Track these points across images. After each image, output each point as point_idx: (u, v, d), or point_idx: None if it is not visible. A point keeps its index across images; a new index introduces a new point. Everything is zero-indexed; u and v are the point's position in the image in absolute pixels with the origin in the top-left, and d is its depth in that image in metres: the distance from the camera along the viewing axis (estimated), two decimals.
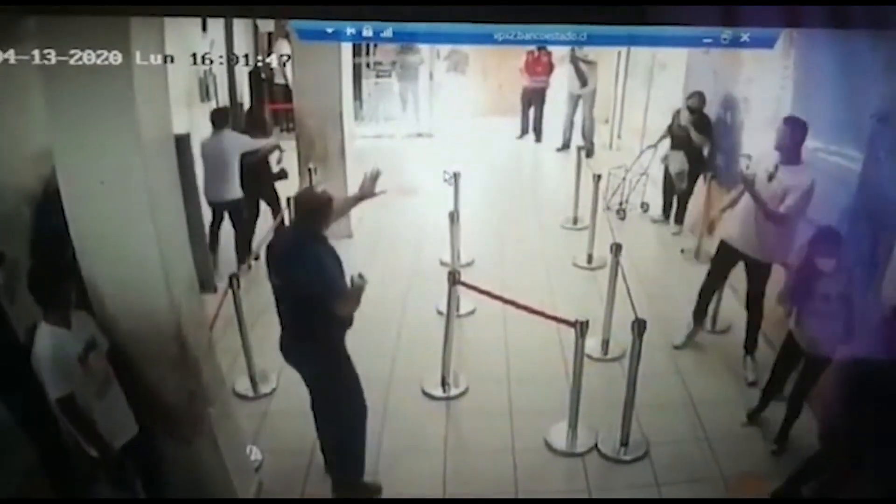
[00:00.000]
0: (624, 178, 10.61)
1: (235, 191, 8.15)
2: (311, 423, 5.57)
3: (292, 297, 4.78)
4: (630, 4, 3.30)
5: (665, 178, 9.99)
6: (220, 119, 8.12)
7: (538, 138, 14.26)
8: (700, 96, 9.03)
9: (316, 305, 4.66)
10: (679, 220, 9.96)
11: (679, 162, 9.46)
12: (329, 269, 4.71)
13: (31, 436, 4.64)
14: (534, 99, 14.08)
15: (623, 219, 10.44)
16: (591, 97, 12.98)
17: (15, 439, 4.75)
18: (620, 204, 10.58)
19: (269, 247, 5.03)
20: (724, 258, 6.80)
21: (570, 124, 13.41)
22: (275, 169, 8.79)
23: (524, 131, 14.41)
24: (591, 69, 12.81)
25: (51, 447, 4.61)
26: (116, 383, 4.31)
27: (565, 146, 13.40)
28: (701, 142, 9.10)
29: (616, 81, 13.87)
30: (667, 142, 9.77)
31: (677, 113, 9.48)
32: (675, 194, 9.85)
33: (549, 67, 13.72)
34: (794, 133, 5.98)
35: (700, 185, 9.20)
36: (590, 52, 12.58)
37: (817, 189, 5.94)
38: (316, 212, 4.83)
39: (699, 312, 7.19)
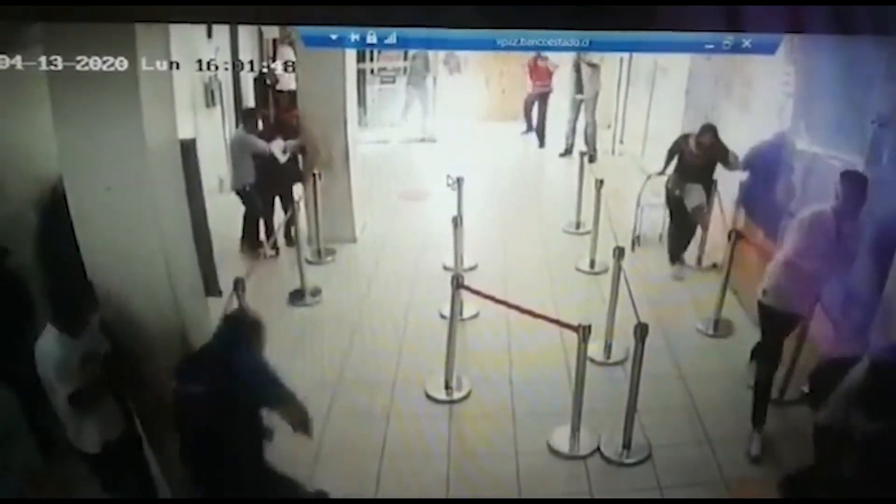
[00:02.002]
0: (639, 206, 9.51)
1: (249, 178, 8.89)
2: (316, 425, 5.61)
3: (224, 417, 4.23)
4: (632, 10, 3.33)
5: (673, 210, 8.85)
6: (245, 118, 9.30)
7: (541, 143, 14.28)
8: (713, 131, 8.19)
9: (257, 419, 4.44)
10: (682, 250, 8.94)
11: (699, 196, 8.45)
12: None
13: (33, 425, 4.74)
14: (538, 103, 14.14)
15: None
16: (594, 102, 12.94)
17: (16, 439, 4.82)
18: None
19: (189, 367, 4.38)
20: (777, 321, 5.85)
21: (573, 129, 13.34)
22: (280, 159, 8.94)
23: (529, 128, 14.46)
24: (595, 73, 12.80)
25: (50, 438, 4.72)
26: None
27: (567, 151, 13.37)
28: (735, 167, 8.22)
29: (618, 87, 13.88)
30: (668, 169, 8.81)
31: (684, 140, 8.50)
32: (688, 227, 8.82)
33: (549, 72, 13.83)
34: (857, 190, 5.32)
35: None
36: (594, 55, 12.58)
37: (819, 194, 5.95)
38: (245, 335, 4.36)
39: (759, 415, 6.04)
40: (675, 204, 8.68)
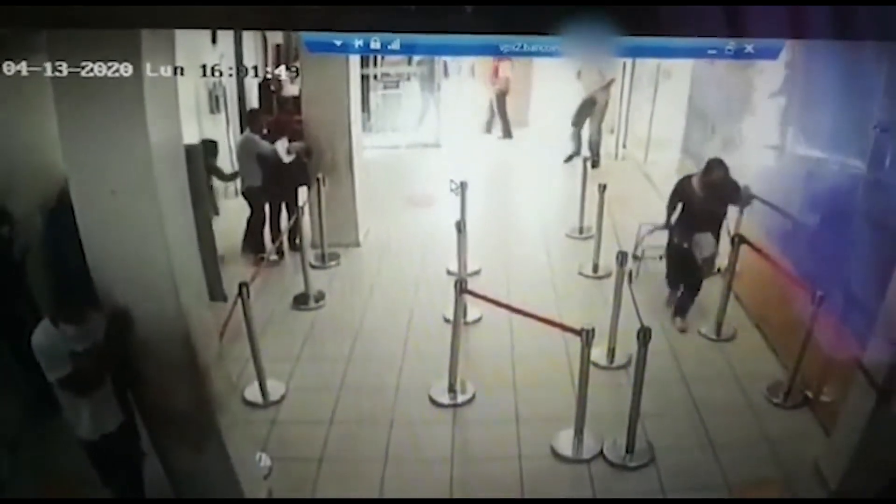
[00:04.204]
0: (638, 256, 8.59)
1: (255, 181, 9.02)
2: (321, 430, 5.63)
3: None
4: (635, 15, 3.34)
5: (677, 264, 7.76)
6: (250, 120, 9.34)
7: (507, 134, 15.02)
8: (722, 167, 7.12)
9: None
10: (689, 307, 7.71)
11: (710, 246, 7.40)
12: None
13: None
14: (499, 99, 14.85)
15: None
16: (602, 112, 12.93)
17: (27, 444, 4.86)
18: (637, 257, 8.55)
19: None
20: None
21: (578, 136, 13.32)
22: (285, 158, 9.00)
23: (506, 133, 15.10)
24: (604, 89, 12.78)
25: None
26: (107, 382, 4.39)
27: (572, 157, 13.32)
28: (747, 203, 7.56)
29: (621, 92, 13.89)
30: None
31: (687, 182, 7.41)
32: (693, 280, 7.62)
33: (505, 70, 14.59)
34: None
35: None
36: (607, 68, 12.57)
37: (822, 199, 5.96)
38: None
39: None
40: (681, 258, 7.57)
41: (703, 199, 7.19)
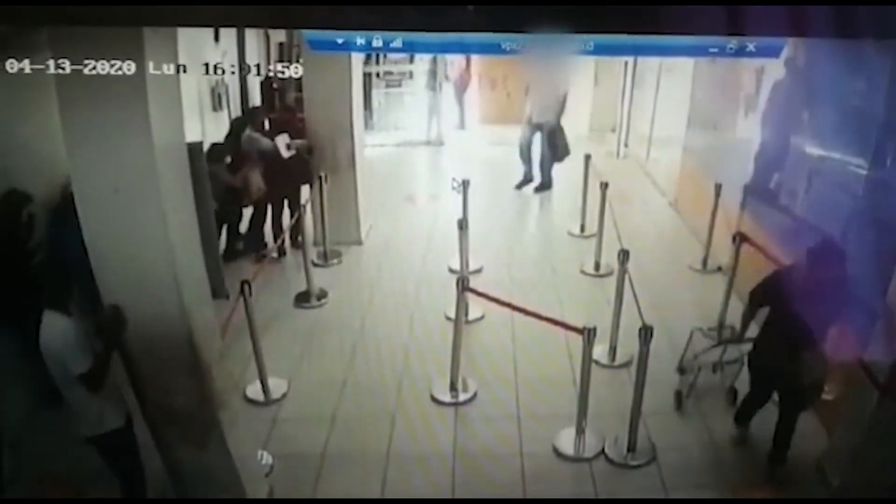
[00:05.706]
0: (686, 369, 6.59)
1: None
2: (322, 428, 5.61)
3: None
4: (636, 13, 3.34)
5: (778, 391, 5.59)
6: (251, 118, 9.43)
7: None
8: (838, 253, 5.01)
9: None
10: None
11: (823, 365, 5.20)
12: None
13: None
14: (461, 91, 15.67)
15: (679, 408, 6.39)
16: (551, 132, 11.78)
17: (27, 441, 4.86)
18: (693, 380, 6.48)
19: None
20: None
21: (548, 157, 12.01)
22: (284, 153, 9.07)
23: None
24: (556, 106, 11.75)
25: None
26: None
27: (525, 182, 12.17)
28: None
29: (623, 90, 13.88)
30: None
31: (783, 279, 5.29)
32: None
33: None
34: None
35: (706, 189, 9.05)
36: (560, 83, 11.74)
37: (823, 198, 5.94)
38: None
39: None
40: (782, 379, 5.37)
41: (810, 302, 4.92)
